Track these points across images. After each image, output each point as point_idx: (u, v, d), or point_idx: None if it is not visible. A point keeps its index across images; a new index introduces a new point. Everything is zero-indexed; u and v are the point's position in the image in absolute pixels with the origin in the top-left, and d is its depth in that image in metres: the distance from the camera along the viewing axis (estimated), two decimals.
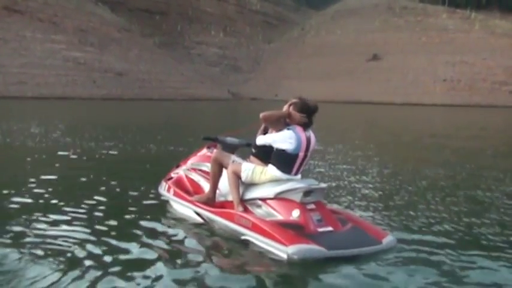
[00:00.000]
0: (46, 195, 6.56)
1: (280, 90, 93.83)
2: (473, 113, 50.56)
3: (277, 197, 4.68)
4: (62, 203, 6.05)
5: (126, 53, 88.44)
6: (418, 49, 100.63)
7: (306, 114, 4.83)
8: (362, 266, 4.11)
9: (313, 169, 9.39)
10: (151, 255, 4.26)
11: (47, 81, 72.00)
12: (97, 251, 4.36)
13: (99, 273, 3.80)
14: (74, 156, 10.69)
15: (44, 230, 4.89)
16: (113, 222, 5.30)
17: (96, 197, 6.46)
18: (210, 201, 5.16)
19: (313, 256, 4.10)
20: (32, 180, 7.47)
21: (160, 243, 4.64)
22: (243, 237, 4.54)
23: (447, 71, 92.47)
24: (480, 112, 54.71)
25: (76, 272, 3.76)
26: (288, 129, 4.80)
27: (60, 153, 11.13)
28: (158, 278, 3.73)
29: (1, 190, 6.68)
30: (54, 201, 6.19)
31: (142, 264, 4.01)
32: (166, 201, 5.86)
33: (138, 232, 4.92)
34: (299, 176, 4.92)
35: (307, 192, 4.66)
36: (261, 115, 4.84)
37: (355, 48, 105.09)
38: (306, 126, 4.87)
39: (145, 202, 6.25)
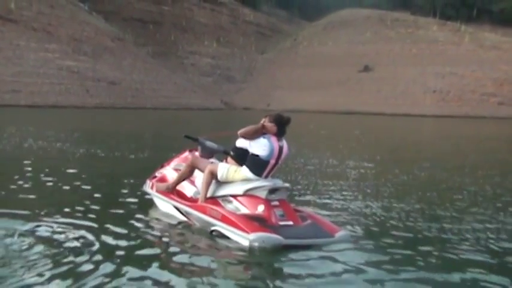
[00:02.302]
0: (44, 193, 7.22)
1: (272, 100, 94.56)
2: (461, 124, 51.47)
3: (246, 194, 5.41)
4: (57, 201, 6.73)
5: (120, 62, 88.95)
6: (408, 60, 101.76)
7: (278, 124, 5.57)
8: (317, 257, 4.78)
9: (291, 171, 10.11)
10: (129, 249, 4.84)
11: (40, 89, 72.31)
12: (79, 239, 5.00)
13: (77, 263, 4.28)
14: (71, 158, 11.34)
15: (35, 224, 5.47)
16: (101, 216, 6.00)
17: (88, 193, 7.17)
18: (169, 190, 5.93)
19: (270, 243, 4.81)
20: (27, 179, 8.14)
21: (140, 236, 5.33)
22: (212, 228, 5.27)
23: (437, 82, 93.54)
24: (469, 123, 55.69)
25: (60, 267, 4.17)
26: (264, 137, 5.53)
27: (61, 156, 11.78)
28: (136, 270, 4.21)
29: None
30: (51, 198, 6.86)
31: (122, 257, 4.53)
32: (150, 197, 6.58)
33: (121, 227, 5.59)
34: (269, 178, 5.63)
35: (272, 190, 5.39)
36: (239, 133, 5.57)
37: (347, 59, 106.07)
38: (279, 136, 5.61)
39: (131, 199, 6.97)
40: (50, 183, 8.18)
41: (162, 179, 6.35)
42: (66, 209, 6.20)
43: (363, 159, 14.06)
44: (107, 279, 4.00)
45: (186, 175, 5.97)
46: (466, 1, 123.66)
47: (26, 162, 10.60)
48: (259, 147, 5.46)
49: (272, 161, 5.50)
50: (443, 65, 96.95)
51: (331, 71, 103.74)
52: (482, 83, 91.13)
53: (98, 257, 4.49)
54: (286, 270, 4.46)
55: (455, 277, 4.37)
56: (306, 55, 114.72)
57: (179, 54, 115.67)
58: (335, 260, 4.63)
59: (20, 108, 57.99)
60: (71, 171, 9.61)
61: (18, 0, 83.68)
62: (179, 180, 6.00)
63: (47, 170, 9.65)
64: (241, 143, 5.64)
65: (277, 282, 4.10)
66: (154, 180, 6.39)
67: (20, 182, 8.06)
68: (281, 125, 5.56)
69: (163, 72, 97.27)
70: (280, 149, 5.55)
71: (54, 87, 74.55)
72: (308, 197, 7.71)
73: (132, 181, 8.21)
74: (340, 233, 5.27)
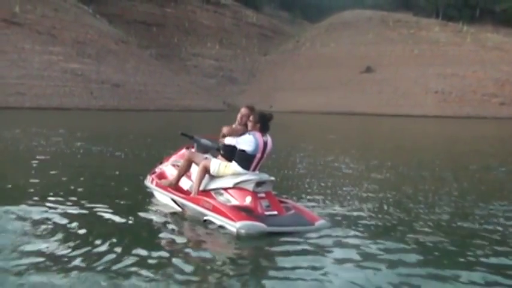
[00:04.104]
0: (49, 189, 7.81)
1: (274, 101, 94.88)
2: (462, 124, 51.82)
3: (235, 187, 6.01)
4: (67, 192, 7.32)
5: (123, 65, 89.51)
6: (410, 61, 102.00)
7: (262, 121, 6.17)
8: (300, 244, 5.33)
9: (285, 167, 10.69)
10: (126, 239, 5.31)
11: (45, 92, 72.93)
12: (76, 227, 5.54)
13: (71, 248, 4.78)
14: (79, 156, 11.95)
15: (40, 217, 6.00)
16: (107, 205, 6.60)
17: (95, 186, 7.76)
18: (172, 186, 6.53)
19: (255, 230, 5.42)
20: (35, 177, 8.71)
21: (141, 224, 5.93)
22: (205, 218, 5.89)
23: (439, 83, 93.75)
24: (470, 123, 56.07)
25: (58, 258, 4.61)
26: (249, 134, 6.14)
27: (68, 154, 12.38)
28: (127, 260, 4.63)
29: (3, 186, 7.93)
30: (56, 192, 7.45)
31: (118, 248, 4.96)
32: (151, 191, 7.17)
33: (123, 216, 6.19)
34: (257, 172, 6.24)
35: (259, 183, 5.99)
36: (226, 134, 6.18)
37: (349, 61, 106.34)
38: (263, 131, 6.21)
39: (133, 192, 7.58)
40: (60, 178, 8.79)
41: (161, 174, 6.98)
42: (76, 199, 6.82)
43: (356, 158, 14.59)
44: (108, 260, 4.59)
45: (185, 169, 6.57)
46: (469, 2, 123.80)
47: (33, 161, 11.18)
48: (246, 143, 6.07)
49: (258, 155, 6.10)
50: (445, 65, 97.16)
51: (333, 73, 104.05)
52: (483, 84, 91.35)
53: (100, 242, 5.08)
54: (269, 254, 5.03)
55: (429, 260, 4.93)
56: (308, 56, 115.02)
57: (182, 56, 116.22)
58: (315, 246, 5.21)
59: (24, 110, 58.67)
60: (80, 166, 10.25)
61: (23, 4, 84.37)
62: (180, 175, 6.60)
63: (57, 166, 10.26)
64: (229, 140, 6.26)
65: (258, 265, 4.67)
66: (154, 175, 7.03)
67: (31, 177, 8.66)
68: (264, 122, 6.17)
69: (166, 74, 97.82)
70: (265, 143, 6.16)
71: (59, 89, 75.18)
72: (295, 190, 8.29)
73: (134, 176, 8.82)
74: (320, 222, 5.86)
